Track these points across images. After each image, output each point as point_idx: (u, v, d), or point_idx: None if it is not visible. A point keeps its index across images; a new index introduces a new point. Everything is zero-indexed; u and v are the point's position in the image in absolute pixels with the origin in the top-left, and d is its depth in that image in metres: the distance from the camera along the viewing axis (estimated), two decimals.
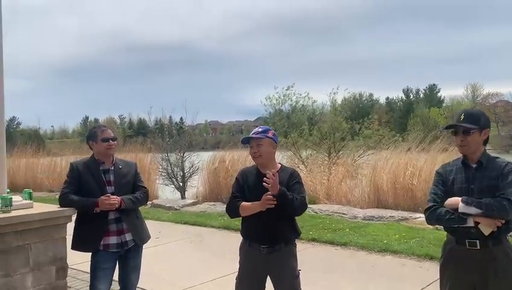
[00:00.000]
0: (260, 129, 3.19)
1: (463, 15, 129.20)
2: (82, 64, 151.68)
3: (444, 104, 73.48)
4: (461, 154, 2.85)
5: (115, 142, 3.63)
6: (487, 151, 2.82)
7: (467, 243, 2.69)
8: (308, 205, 9.07)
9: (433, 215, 2.76)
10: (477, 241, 2.65)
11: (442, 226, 2.90)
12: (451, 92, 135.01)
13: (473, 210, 2.59)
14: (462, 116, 2.78)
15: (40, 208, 3.60)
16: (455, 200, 2.68)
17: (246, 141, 3.20)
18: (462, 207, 2.62)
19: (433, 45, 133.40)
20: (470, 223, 2.62)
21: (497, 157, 2.79)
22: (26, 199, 3.64)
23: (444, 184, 2.82)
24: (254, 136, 3.13)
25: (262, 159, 3.13)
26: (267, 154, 3.14)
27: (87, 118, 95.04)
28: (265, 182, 2.88)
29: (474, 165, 2.76)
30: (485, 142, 2.79)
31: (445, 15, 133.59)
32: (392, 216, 8.14)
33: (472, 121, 2.73)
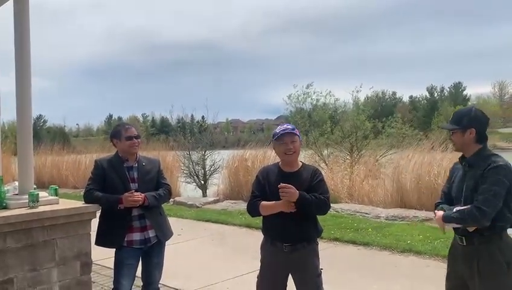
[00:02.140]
0: (290, 126, 3.12)
1: (490, 11, 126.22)
2: (106, 63, 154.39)
3: (469, 103, 71.90)
4: None
5: (139, 140, 3.66)
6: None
7: (458, 239, 2.78)
8: (330, 204, 9.05)
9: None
10: (463, 237, 2.71)
11: None
12: (478, 90, 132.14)
13: (453, 225, 2.70)
14: (451, 116, 2.84)
15: (65, 204, 3.67)
16: (439, 217, 2.77)
17: (279, 137, 3.07)
18: (446, 225, 2.73)
19: (459, 42, 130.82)
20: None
21: (493, 155, 2.70)
22: (52, 195, 3.71)
23: (448, 181, 2.96)
24: (291, 131, 3.06)
25: (295, 155, 3.10)
26: (299, 151, 3.13)
27: (111, 116, 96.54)
28: (282, 195, 2.90)
29: (467, 164, 2.78)
30: (479, 140, 2.73)
31: (471, 11, 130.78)
32: (416, 216, 8.01)
33: (455, 121, 2.79)
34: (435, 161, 9.38)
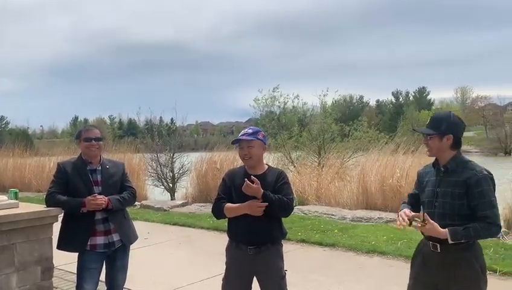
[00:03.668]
0: (250, 130, 3.15)
1: (453, 19, 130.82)
2: (72, 64, 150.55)
3: (433, 107, 74.11)
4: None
5: (99, 142, 3.57)
6: (464, 154, 2.79)
7: (431, 245, 2.72)
8: (298, 206, 9.18)
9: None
10: (438, 244, 2.67)
11: None
12: (441, 94, 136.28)
13: (463, 240, 2.61)
14: (429, 120, 2.80)
15: (26, 207, 3.58)
16: (440, 233, 2.60)
17: (237, 142, 3.17)
18: (451, 241, 2.60)
19: (424, 48, 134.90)
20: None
21: (469, 162, 2.74)
22: (12, 199, 3.62)
23: (418, 185, 2.92)
24: (245, 138, 3.10)
25: (252, 161, 3.12)
26: (257, 156, 3.13)
27: (76, 118, 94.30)
28: (245, 189, 2.91)
29: (442, 169, 2.75)
30: (455, 146, 2.73)
31: (436, 19, 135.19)
32: (381, 217, 8.19)
33: (433, 126, 2.73)
34: (397, 164, 9.62)
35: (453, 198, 2.64)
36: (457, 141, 2.73)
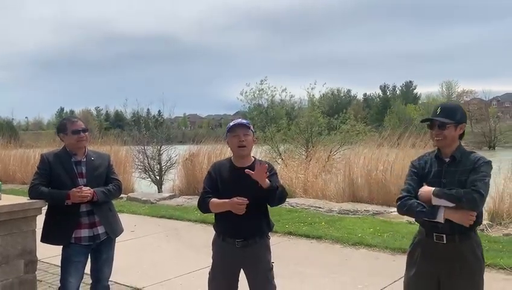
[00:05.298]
0: (244, 121, 3.11)
1: (440, 14, 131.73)
2: (58, 55, 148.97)
3: (420, 101, 74.73)
4: (435, 148, 2.84)
5: (86, 133, 3.54)
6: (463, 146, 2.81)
7: (434, 237, 2.70)
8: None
9: (404, 205, 2.74)
10: (444, 235, 2.67)
11: (414, 220, 2.93)
12: (427, 89, 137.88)
13: (443, 202, 2.59)
14: (439, 110, 2.75)
15: (9, 199, 3.51)
16: (428, 191, 2.65)
17: (233, 129, 3.05)
18: (434, 200, 2.61)
19: (411, 43, 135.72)
20: (440, 219, 2.60)
21: (472, 152, 2.77)
22: None
23: (418, 175, 2.81)
24: (244, 123, 3.05)
25: (247, 150, 3.08)
26: (251, 145, 3.10)
27: (62, 109, 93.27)
28: (254, 174, 2.85)
29: (447, 160, 2.74)
30: (461, 136, 2.77)
31: (423, 13, 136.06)
32: (367, 210, 8.25)
33: (448, 115, 2.71)
34: (382, 157, 9.69)
35: (461, 186, 2.62)
36: (464, 131, 2.78)
